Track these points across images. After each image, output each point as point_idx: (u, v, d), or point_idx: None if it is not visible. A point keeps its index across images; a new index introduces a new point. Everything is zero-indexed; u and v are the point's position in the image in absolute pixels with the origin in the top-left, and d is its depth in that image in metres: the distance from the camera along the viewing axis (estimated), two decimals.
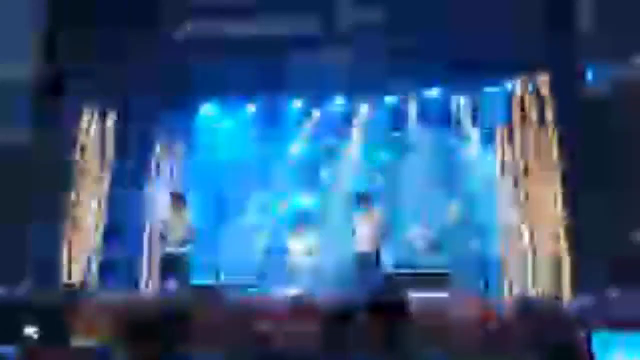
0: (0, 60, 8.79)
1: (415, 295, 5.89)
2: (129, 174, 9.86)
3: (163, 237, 9.02)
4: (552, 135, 8.74)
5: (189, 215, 9.17)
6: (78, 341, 5.66)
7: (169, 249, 8.92)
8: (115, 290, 8.55)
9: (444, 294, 7.77)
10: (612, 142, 7.91)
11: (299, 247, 9.43)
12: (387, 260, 9.14)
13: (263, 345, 5.47)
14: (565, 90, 8.64)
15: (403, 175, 10.39)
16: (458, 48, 8.43)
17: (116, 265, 9.44)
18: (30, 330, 5.57)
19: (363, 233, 8.92)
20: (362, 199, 9.16)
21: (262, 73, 9.31)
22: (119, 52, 8.96)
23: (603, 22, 8.25)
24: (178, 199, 9.20)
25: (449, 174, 10.22)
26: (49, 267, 8.91)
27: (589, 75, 8.64)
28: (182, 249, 8.86)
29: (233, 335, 5.69)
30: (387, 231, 9.09)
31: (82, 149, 9.72)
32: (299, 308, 6.18)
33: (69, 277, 9.15)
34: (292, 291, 8.38)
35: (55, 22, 9.22)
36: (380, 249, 8.93)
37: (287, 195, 10.76)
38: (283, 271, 9.38)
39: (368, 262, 8.80)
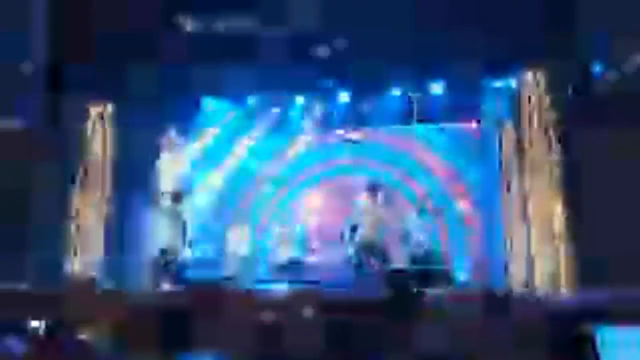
0: (2, 56, 8.79)
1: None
2: (131, 172, 9.89)
3: (164, 235, 9.04)
4: (553, 133, 8.78)
5: (189, 212, 9.21)
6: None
7: (170, 247, 8.92)
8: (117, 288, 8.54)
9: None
10: (613, 141, 7.91)
11: (302, 242, 9.51)
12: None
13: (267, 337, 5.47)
14: (567, 88, 8.68)
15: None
16: (459, 44, 8.44)
17: (120, 264, 9.43)
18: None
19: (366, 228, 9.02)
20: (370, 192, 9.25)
21: (261, 70, 9.34)
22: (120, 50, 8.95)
23: (603, 22, 8.25)
24: (180, 196, 9.25)
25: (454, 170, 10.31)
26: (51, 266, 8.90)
27: (592, 74, 8.66)
28: (182, 246, 8.89)
29: (237, 328, 5.68)
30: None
31: (84, 147, 9.76)
32: (303, 300, 6.17)
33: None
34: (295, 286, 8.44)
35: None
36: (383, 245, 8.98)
37: (289, 190, 10.82)
38: (285, 266, 9.44)
39: (370, 259, 8.84)
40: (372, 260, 8.73)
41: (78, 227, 9.63)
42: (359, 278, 8.62)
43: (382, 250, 8.90)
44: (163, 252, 9.07)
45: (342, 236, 9.30)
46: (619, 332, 5.05)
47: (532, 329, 5.20)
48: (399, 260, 9.06)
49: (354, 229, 9.13)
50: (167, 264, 8.97)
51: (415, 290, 6.20)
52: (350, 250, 9.07)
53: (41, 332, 5.57)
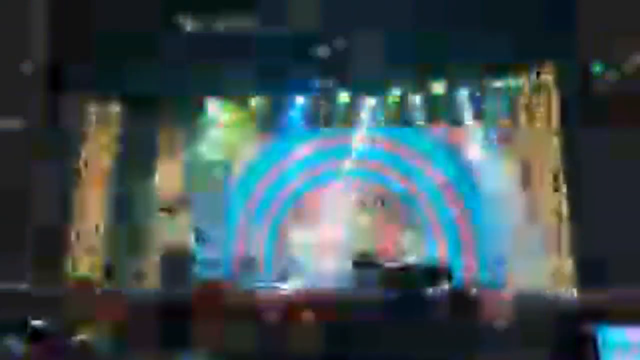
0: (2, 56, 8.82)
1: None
2: (132, 171, 9.91)
3: (168, 235, 9.07)
4: (554, 133, 8.80)
5: (192, 213, 9.23)
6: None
7: (174, 247, 8.95)
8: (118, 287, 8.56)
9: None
10: (613, 141, 7.92)
11: (302, 242, 9.53)
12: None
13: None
14: (568, 88, 8.70)
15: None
16: (459, 44, 8.45)
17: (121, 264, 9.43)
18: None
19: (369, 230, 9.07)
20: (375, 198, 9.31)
21: (263, 70, 9.35)
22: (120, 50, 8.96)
23: (603, 22, 8.25)
24: (181, 198, 9.28)
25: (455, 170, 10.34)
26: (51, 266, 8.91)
27: (592, 74, 8.67)
28: (186, 246, 8.91)
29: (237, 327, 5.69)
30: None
31: (84, 146, 9.79)
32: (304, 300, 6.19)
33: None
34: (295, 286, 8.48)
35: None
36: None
37: (291, 190, 10.83)
38: (286, 267, 9.46)
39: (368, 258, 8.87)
40: (370, 263, 8.76)
41: (78, 227, 9.64)
42: (360, 279, 8.64)
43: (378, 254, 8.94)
44: (168, 251, 9.08)
45: (344, 237, 9.33)
46: (619, 332, 5.06)
47: (534, 328, 5.21)
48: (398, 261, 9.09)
49: (354, 231, 9.18)
50: (172, 263, 8.99)
51: (415, 290, 6.22)
52: (352, 253, 9.10)
53: (41, 332, 5.57)
